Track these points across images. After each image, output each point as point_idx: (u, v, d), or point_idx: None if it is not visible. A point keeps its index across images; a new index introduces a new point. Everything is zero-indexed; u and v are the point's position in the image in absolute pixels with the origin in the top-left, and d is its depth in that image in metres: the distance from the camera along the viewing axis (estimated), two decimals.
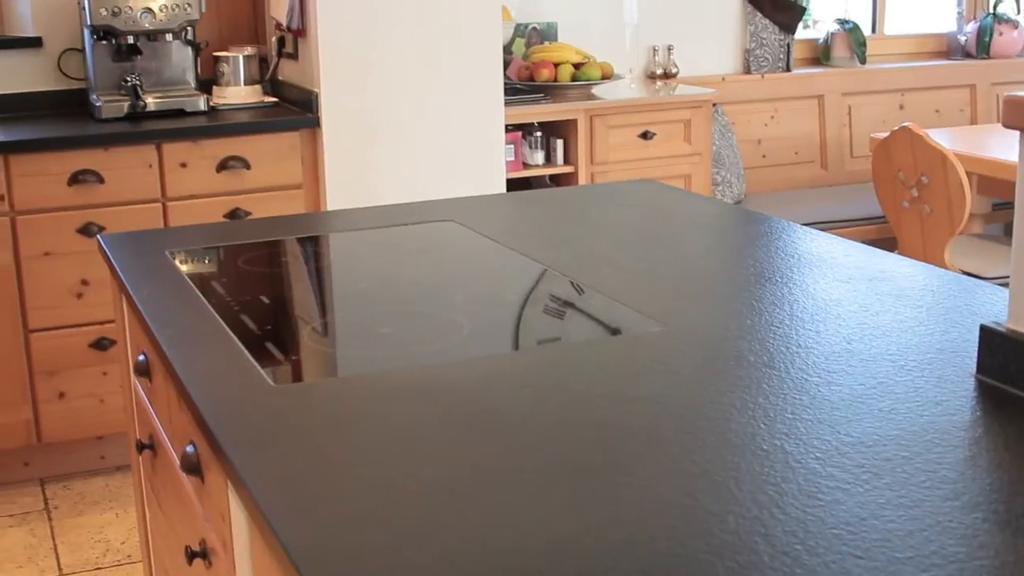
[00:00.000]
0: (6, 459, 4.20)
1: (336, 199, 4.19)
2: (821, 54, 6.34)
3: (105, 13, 4.27)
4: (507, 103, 4.44)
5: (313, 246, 2.63)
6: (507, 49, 5.35)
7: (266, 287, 2.32)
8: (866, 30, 6.40)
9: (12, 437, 4.12)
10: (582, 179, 5.02)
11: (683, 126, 5.22)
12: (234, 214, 4.17)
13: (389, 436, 1.54)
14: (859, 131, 6.19)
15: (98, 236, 2.67)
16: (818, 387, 1.66)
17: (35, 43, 4.59)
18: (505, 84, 4.43)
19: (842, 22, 6.27)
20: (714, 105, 5.49)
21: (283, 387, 1.73)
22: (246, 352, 1.86)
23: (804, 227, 2.62)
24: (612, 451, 1.47)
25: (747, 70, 6.04)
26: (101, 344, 4.13)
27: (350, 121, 4.20)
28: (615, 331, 1.96)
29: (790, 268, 2.29)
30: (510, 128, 4.73)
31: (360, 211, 2.93)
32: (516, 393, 1.67)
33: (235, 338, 1.93)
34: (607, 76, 5.23)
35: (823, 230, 2.61)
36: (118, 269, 2.40)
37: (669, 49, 5.79)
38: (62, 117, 4.45)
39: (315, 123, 4.19)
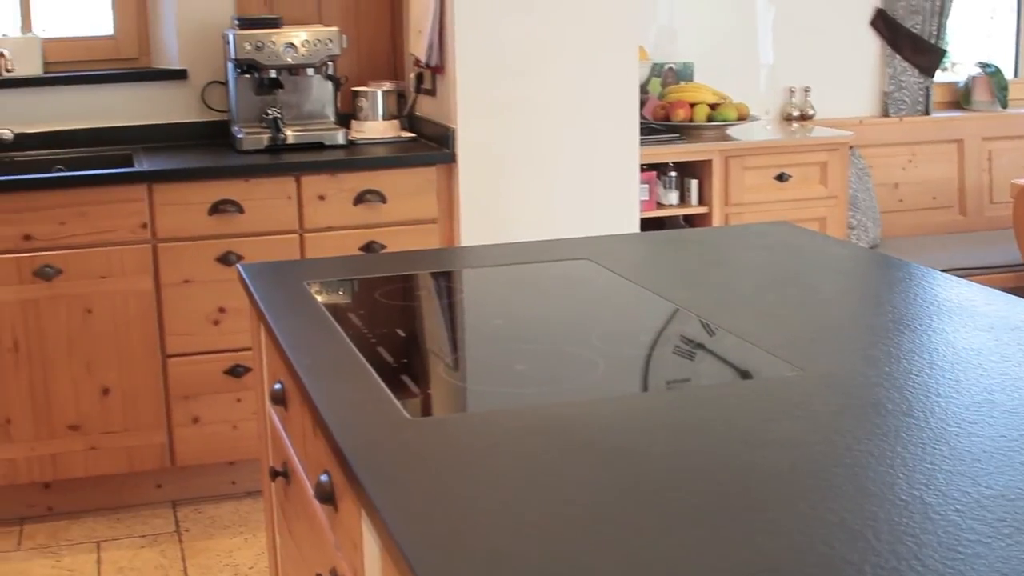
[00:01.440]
0: (140, 481, 4.29)
1: (470, 234, 4.22)
2: (961, 98, 6.24)
3: (249, 48, 4.36)
4: (642, 142, 4.44)
5: (447, 281, 2.65)
6: (643, 88, 5.35)
7: (402, 320, 2.35)
8: (1008, 73, 6.29)
9: (147, 459, 4.21)
10: (716, 220, 5.00)
11: (819, 168, 5.18)
12: (369, 247, 4.22)
13: (523, 473, 1.54)
14: (999, 176, 6.08)
15: (237, 265, 2.72)
16: (958, 438, 1.63)
17: (181, 76, 4.70)
18: (640, 123, 4.43)
19: (983, 65, 6.17)
20: (851, 148, 5.43)
21: (419, 420, 1.75)
22: (382, 384, 1.88)
23: (943, 273, 2.57)
24: (747, 495, 1.46)
25: (885, 113, 5.97)
26: (236, 371, 4.20)
27: (486, 157, 4.23)
28: (747, 374, 1.95)
29: (929, 315, 2.25)
30: (645, 168, 4.72)
31: (494, 247, 2.95)
32: (650, 433, 1.67)
33: (371, 370, 1.96)
34: (743, 117, 5.21)
35: (962, 277, 2.56)
36: (257, 298, 2.45)
37: (806, 91, 5.75)
38: (205, 148, 4.55)
39: (451, 159, 4.23)
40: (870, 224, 5.59)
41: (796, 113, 5.74)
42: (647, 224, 4.71)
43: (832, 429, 1.67)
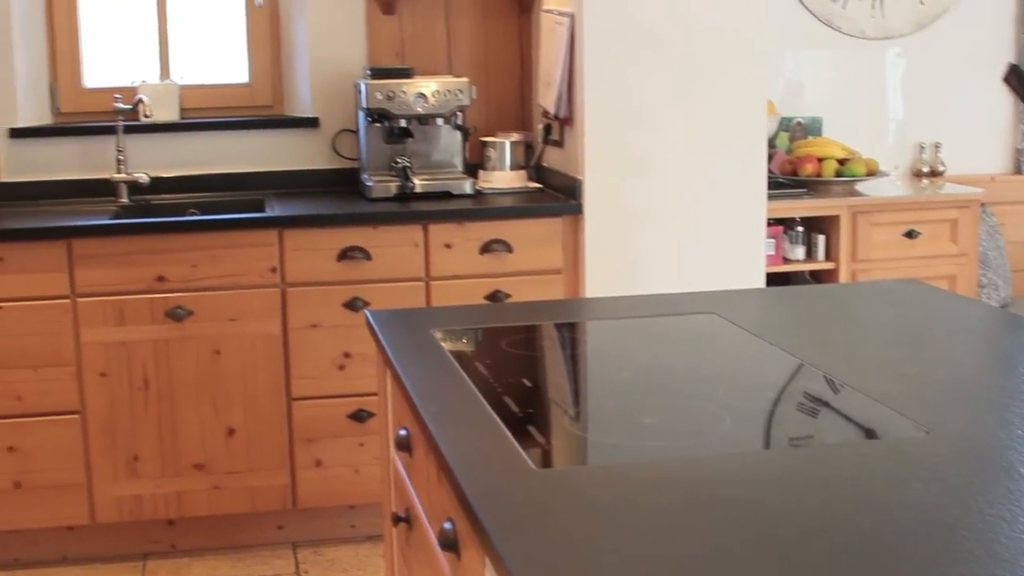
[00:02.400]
0: (262, 521, 4.34)
1: (595, 286, 4.23)
2: None
3: (380, 97, 4.42)
4: (769, 197, 4.42)
5: (573, 332, 2.66)
6: (771, 143, 5.32)
7: (527, 370, 2.36)
8: None
9: (269, 500, 4.26)
10: (843, 276, 4.95)
11: (949, 226, 5.11)
12: (495, 296, 4.25)
13: (648, 526, 1.54)
14: None
15: (366, 312, 2.76)
16: None
17: (313, 123, 4.79)
18: (768, 178, 4.41)
19: None
20: (982, 205, 5.35)
21: (545, 471, 1.76)
22: (508, 433, 1.89)
23: None
24: (875, 558, 1.44)
25: (1018, 170, 5.88)
26: (359, 416, 4.24)
27: (612, 209, 4.24)
28: (872, 433, 1.93)
29: None
30: (771, 222, 4.70)
31: (620, 299, 2.95)
32: (775, 491, 1.66)
33: (497, 419, 1.97)
34: (872, 172, 5.16)
35: None
36: (385, 345, 2.47)
37: (936, 146, 5.68)
38: (334, 195, 4.62)
39: (578, 210, 4.25)
40: (1001, 283, 5.49)
41: (926, 169, 5.68)
42: (773, 279, 4.68)
43: (962, 492, 1.64)
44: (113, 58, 4.92)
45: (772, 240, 4.82)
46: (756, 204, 4.35)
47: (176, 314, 4.11)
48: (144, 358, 4.13)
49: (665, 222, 4.27)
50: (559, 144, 4.47)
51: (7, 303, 4.06)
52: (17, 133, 4.64)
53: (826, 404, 2.10)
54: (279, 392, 4.21)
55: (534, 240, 4.27)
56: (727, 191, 4.31)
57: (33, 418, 4.13)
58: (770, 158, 5.11)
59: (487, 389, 2.14)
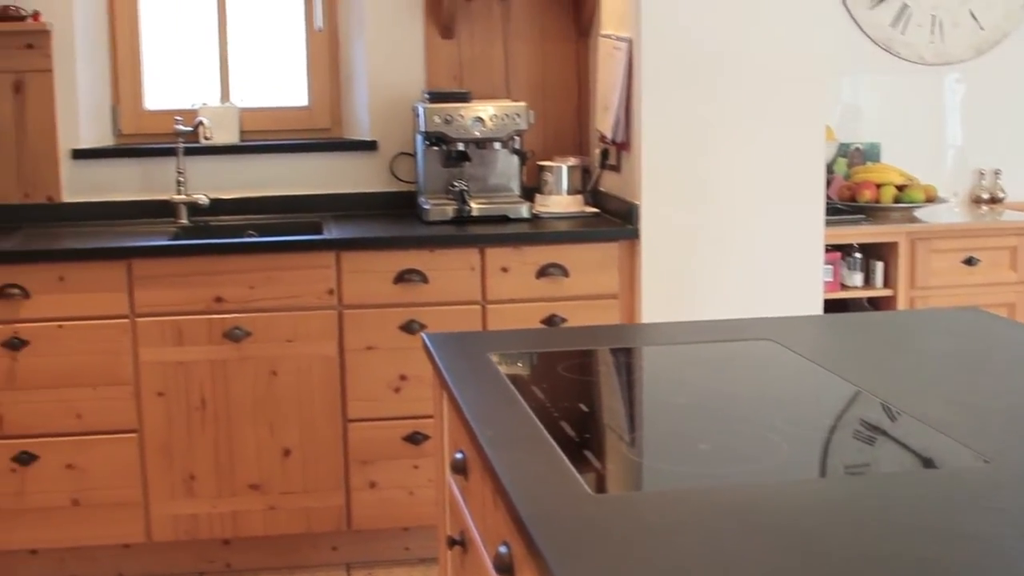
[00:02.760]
0: (317, 542, 4.36)
1: (651, 311, 4.22)
2: None
3: (438, 121, 4.45)
4: (827, 223, 4.40)
5: (629, 357, 2.66)
6: (829, 168, 5.30)
7: (584, 395, 2.36)
8: None
9: (324, 521, 4.28)
10: (901, 303, 4.92)
11: (1009, 253, 5.06)
12: (551, 320, 4.25)
13: (704, 553, 1.53)
14: None
15: (423, 335, 2.77)
16: None
17: (371, 147, 4.82)
18: (826, 203, 4.39)
19: None
20: None
21: (600, 495, 1.76)
22: (564, 458, 1.89)
23: None
24: None
25: None
26: (415, 438, 4.25)
27: (669, 234, 4.24)
28: (930, 462, 1.91)
29: None
30: (829, 248, 4.67)
31: (676, 325, 2.95)
32: (832, 520, 1.65)
33: (553, 443, 1.97)
34: (931, 199, 5.13)
35: None
36: (441, 368, 2.48)
37: (995, 173, 5.64)
38: (392, 218, 4.64)
39: (634, 235, 4.25)
40: None
41: (985, 196, 5.63)
42: (830, 306, 4.65)
43: (1022, 522, 1.62)
44: (174, 81, 4.97)
45: (830, 266, 4.79)
46: (814, 230, 4.33)
47: (234, 335, 4.15)
48: (201, 378, 4.16)
49: (722, 247, 4.26)
50: (616, 169, 4.48)
51: (68, 322, 4.11)
52: (79, 154, 4.70)
53: (883, 432, 2.08)
54: (335, 413, 4.23)
55: (590, 265, 4.27)
56: (785, 217, 4.29)
57: (91, 436, 4.17)
58: (828, 184, 5.08)
59: (543, 413, 2.14)
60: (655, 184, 4.22)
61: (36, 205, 4.69)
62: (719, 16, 4.19)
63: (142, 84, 4.91)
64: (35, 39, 4.60)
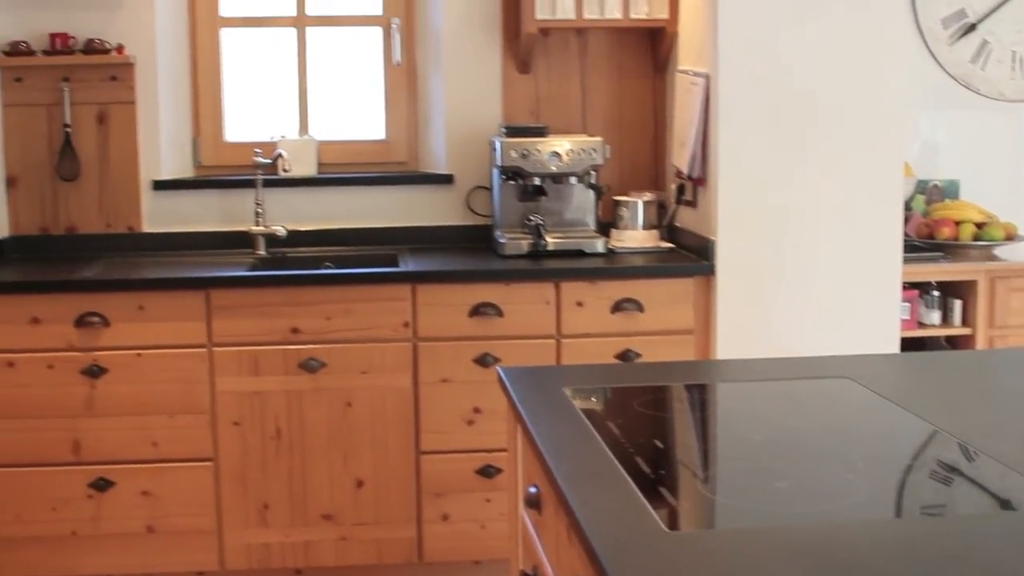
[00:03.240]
0: (389, 574, 4.36)
1: (727, 347, 4.20)
2: None
3: (515, 155, 4.46)
4: (905, 260, 4.36)
5: (704, 394, 2.65)
6: (907, 205, 5.26)
7: (659, 431, 2.35)
8: None
9: (396, 553, 4.29)
10: (980, 343, 4.86)
11: None
12: (625, 355, 4.25)
13: None
14: None
15: (498, 368, 2.77)
16: None
17: (447, 180, 4.84)
18: (904, 241, 4.36)
19: None
20: None
21: (675, 532, 1.75)
22: (639, 494, 1.89)
23: None
24: None
25: None
26: (487, 471, 4.26)
27: (745, 270, 4.22)
28: (1008, 504, 1.89)
29: None
30: (907, 286, 4.63)
31: (752, 362, 2.93)
32: (906, 561, 1.63)
33: (628, 479, 1.96)
34: (1011, 237, 5.07)
35: None
36: (516, 402, 2.48)
37: None
38: (467, 251, 4.66)
39: (710, 270, 4.23)
40: None
41: None
42: (907, 344, 4.61)
43: None
44: (254, 113, 5.03)
45: (907, 304, 4.75)
46: (891, 267, 4.30)
47: (309, 366, 4.18)
48: (277, 408, 4.20)
49: (799, 284, 4.24)
50: (692, 204, 4.47)
51: (146, 350, 4.16)
52: (160, 185, 4.76)
53: (961, 473, 2.06)
54: (408, 445, 4.25)
55: (666, 300, 4.26)
56: (862, 254, 4.26)
57: (167, 464, 4.21)
58: (906, 221, 5.03)
59: (618, 449, 2.13)
60: (731, 220, 4.21)
61: (117, 235, 4.75)
62: (797, 52, 4.18)
63: (222, 116, 4.97)
64: (119, 71, 4.68)
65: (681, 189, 4.54)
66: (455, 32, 4.78)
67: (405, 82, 4.99)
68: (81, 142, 4.70)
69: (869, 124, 4.24)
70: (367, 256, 4.65)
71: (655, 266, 4.33)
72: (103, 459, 4.20)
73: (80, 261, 4.53)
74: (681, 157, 4.45)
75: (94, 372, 4.15)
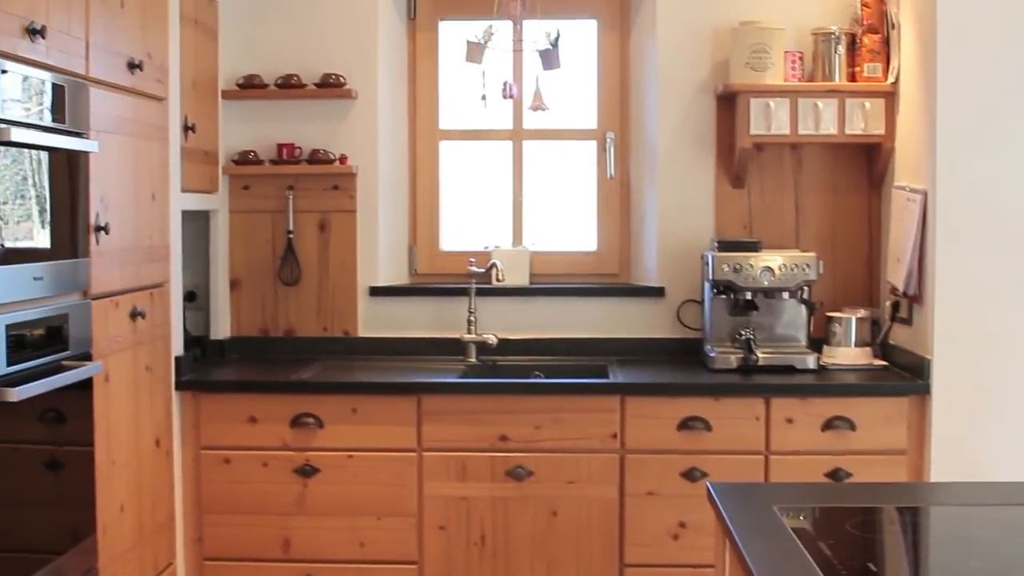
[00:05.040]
0: None
1: (941, 470, 4.09)
2: None
3: (727, 270, 4.46)
4: None
5: (918, 517, 2.59)
6: None
7: (871, 554, 2.31)
8: None
9: None
10: None
11: None
12: (835, 474, 4.17)
13: None
14: None
15: (707, 484, 2.75)
16: None
17: (658, 293, 4.85)
18: None
19: None
20: None
21: None
22: None
23: None
24: None
25: None
26: None
27: (962, 390, 4.11)
28: None
29: None
30: None
31: (968, 485, 2.87)
32: None
33: None
34: None
35: None
36: (725, 518, 2.46)
37: None
38: (676, 364, 4.65)
39: (925, 390, 4.14)
40: None
41: None
42: None
43: None
44: (469, 223, 5.14)
45: None
46: None
47: (516, 473, 4.21)
48: (483, 514, 4.23)
49: (1017, 406, 4.11)
50: (907, 322, 4.39)
51: (357, 452, 4.25)
52: (376, 291, 4.88)
53: None
54: (612, 557, 4.23)
55: (878, 419, 4.19)
56: None
57: (373, 565, 4.28)
58: None
59: (829, 570, 2.10)
60: (948, 338, 4.12)
61: (333, 338, 4.88)
62: (1016, 168, 4.10)
63: (439, 226, 5.09)
64: (341, 181, 4.84)
65: (896, 306, 4.47)
66: (669, 146, 4.82)
67: (618, 194, 5.04)
68: (302, 248, 4.87)
69: None
70: (577, 366, 4.68)
71: (868, 384, 4.26)
72: (312, 557, 4.29)
73: (297, 363, 4.67)
74: (896, 274, 4.39)
75: (307, 472, 4.25)
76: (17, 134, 2.94)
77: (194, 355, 4.55)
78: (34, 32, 3.09)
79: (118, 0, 3.68)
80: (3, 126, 2.92)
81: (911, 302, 4.33)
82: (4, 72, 2.97)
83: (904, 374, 4.33)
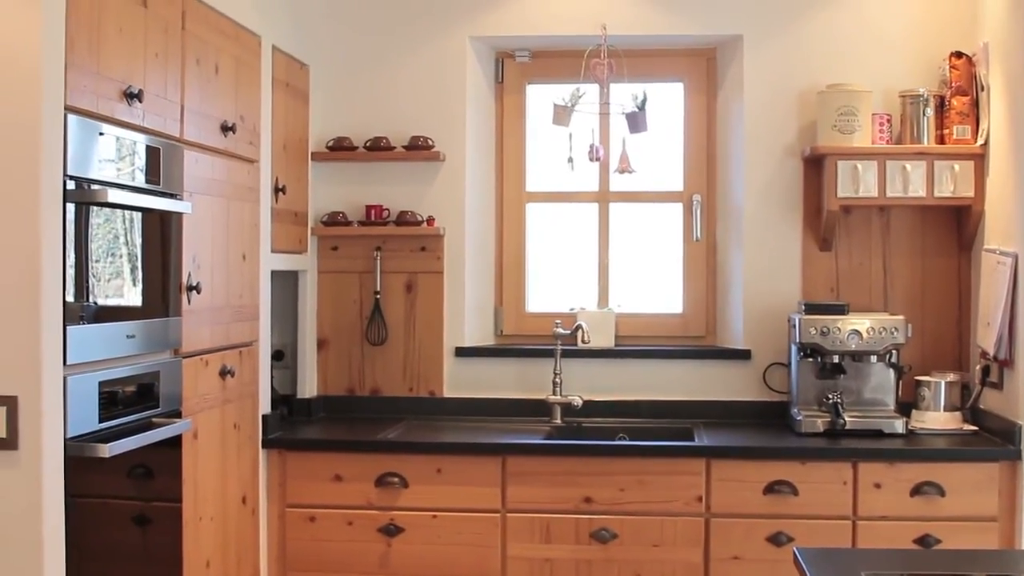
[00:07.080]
0: None
1: None
2: None
3: (814, 332, 4.43)
4: None
5: None
6: None
7: None
8: None
9: None
10: None
11: None
12: (924, 540, 4.11)
13: None
14: None
15: (794, 549, 2.73)
16: None
17: (744, 356, 4.83)
18: None
19: None
20: None
21: None
22: None
23: None
24: None
25: None
26: None
27: None
28: None
29: None
30: None
31: None
32: None
33: None
34: None
35: None
36: None
37: None
38: (762, 427, 4.62)
39: (1016, 455, 4.08)
40: None
41: None
42: None
43: None
44: (555, 284, 5.15)
45: None
46: None
47: (601, 536, 4.19)
48: None
49: None
50: (998, 386, 4.33)
51: (442, 512, 4.26)
52: (462, 352, 4.91)
53: None
54: None
55: (968, 485, 4.13)
56: None
57: None
58: None
59: None
60: None
61: (419, 398, 4.91)
62: None
63: (525, 287, 5.11)
64: (428, 243, 4.89)
65: (986, 370, 4.41)
66: (755, 209, 4.81)
67: (704, 256, 5.04)
68: (389, 308, 4.91)
69: None
70: (662, 429, 4.67)
71: (958, 449, 4.21)
72: None
73: (382, 422, 4.69)
74: (987, 337, 4.34)
75: (391, 531, 4.27)
76: (114, 195, 3.01)
77: (281, 413, 4.60)
78: (131, 96, 3.17)
79: (213, 65, 3.76)
80: (99, 187, 2.99)
81: (1002, 366, 4.28)
82: (102, 135, 3.05)
83: (995, 439, 4.27)
